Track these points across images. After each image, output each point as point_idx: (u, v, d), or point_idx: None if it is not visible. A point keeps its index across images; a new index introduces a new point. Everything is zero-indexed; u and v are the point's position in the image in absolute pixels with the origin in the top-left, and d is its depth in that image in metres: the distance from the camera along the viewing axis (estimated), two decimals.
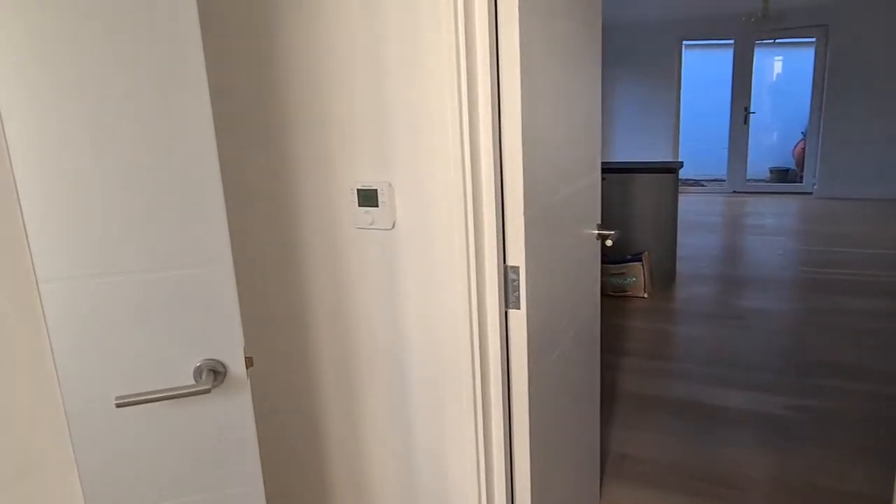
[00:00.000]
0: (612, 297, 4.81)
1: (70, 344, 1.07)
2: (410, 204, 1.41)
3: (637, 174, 4.97)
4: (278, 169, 1.47)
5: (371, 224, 1.43)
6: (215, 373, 1.16)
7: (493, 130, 1.36)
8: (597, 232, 2.09)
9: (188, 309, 1.12)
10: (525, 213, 1.44)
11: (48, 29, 0.98)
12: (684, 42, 8.86)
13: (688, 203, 7.94)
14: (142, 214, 1.07)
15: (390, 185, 1.41)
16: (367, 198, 1.41)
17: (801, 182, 8.92)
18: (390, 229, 1.43)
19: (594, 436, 2.35)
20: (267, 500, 1.26)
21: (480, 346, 1.44)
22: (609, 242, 2.02)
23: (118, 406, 1.06)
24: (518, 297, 1.48)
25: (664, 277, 5.08)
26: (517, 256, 1.47)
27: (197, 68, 1.05)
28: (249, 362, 1.20)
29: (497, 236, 1.42)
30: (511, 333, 1.51)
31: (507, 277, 1.48)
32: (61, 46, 0.99)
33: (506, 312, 1.50)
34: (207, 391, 1.09)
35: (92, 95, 1.01)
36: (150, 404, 1.10)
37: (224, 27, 1.42)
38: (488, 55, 1.33)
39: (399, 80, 1.34)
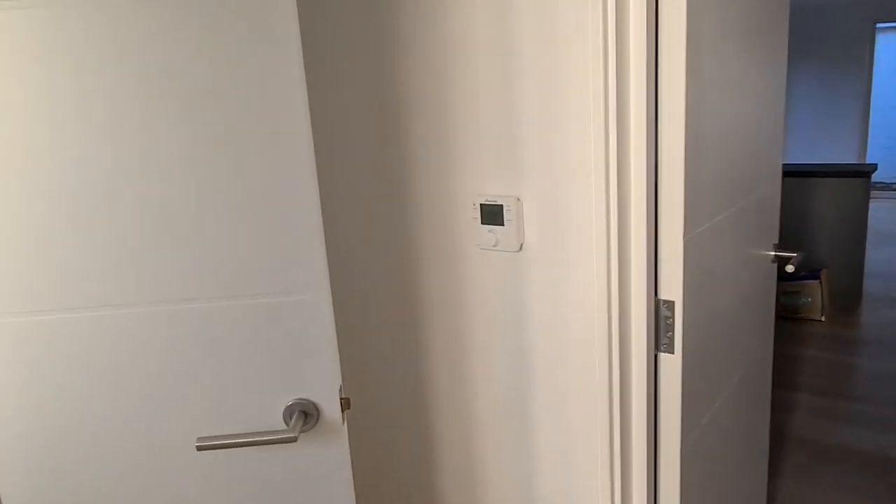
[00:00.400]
0: (782, 318, 4.22)
1: (151, 377, 0.98)
2: (542, 223, 1.18)
3: (817, 178, 4.30)
4: (392, 179, 1.31)
5: (495, 245, 1.22)
6: (307, 415, 1.01)
7: (648, 134, 1.10)
8: (774, 254, 1.72)
9: (279, 341, 0.99)
10: (685, 236, 1.16)
11: (152, 45, 0.88)
12: (878, 25, 7.70)
13: (877, 211, 6.88)
14: (227, 234, 0.95)
15: (518, 200, 1.19)
16: (492, 215, 1.21)
17: None
18: (517, 252, 1.22)
19: (760, 492, 1.98)
20: None
21: (622, 400, 1.18)
22: (790, 268, 1.65)
23: (199, 449, 0.95)
24: (672, 339, 1.21)
25: (847, 298, 4.37)
26: (673, 289, 1.19)
27: (296, 74, 0.90)
28: (346, 404, 1.05)
29: (648, 264, 1.16)
30: (661, 383, 1.23)
31: (659, 314, 1.20)
32: (157, 54, 0.88)
33: (655, 357, 1.22)
34: (293, 440, 0.94)
35: (183, 111, 0.90)
36: (234, 448, 0.98)
37: (338, 27, 1.28)
38: (645, 40, 1.06)
39: (531, 76, 1.12)
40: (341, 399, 1.03)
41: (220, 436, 0.97)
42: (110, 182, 0.92)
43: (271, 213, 0.95)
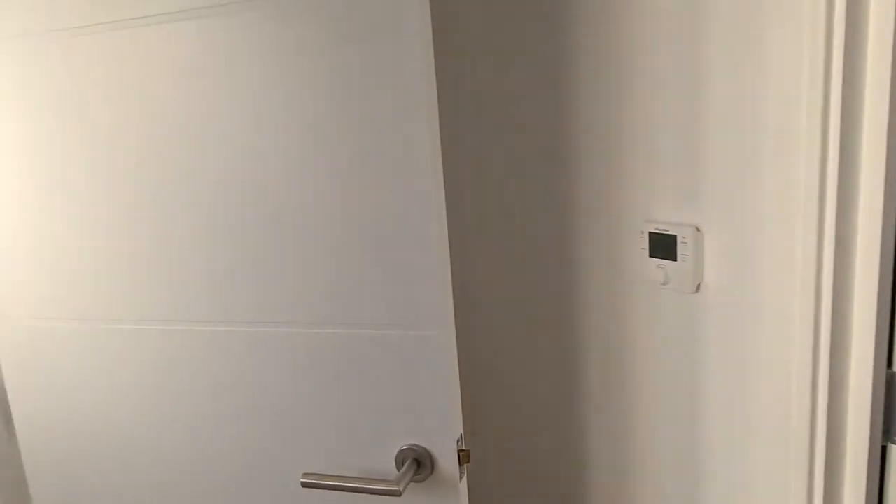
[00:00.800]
0: None
1: (265, 398, 0.94)
2: (727, 261, 0.94)
3: None
4: (545, 194, 1.14)
5: (664, 283, 1.00)
6: (420, 464, 0.90)
7: (890, 148, 0.81)
8: None
9: (396, 378, 0.89)
10: None
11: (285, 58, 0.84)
12: None
13: None
14: (350, 258, 0.87)
15: (697, 230, 0.96)
16: (662, 246, 0.99)
17: None
18: (692, 293, 0.98)
19: None
20: None
21: (826, 500, 0.89)
22: None
23: (303, 485, 0.89)
24: None
25: None
26: None
27: (425, 101, 0.79)
28: (465, 457, 0.92)
29: (878, 324, 0.85)
30: (891, 486, 0.91)
31: (893, 393, 0.89)
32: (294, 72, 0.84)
33: (883, 450, 0.91)
34: (397, 493, 0.84)
35: (310, 132, 0.84)
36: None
37: (498, 31, 1.15)
38: (893, 24, 0.78)
39: (721, 68, 0.89)
40: (459, 451, 0.90)
41: (326, 475, 0.90)
42: (240, 200, 0.89)
43: (396, 238, 0.85)
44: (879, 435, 0.90)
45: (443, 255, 0.86)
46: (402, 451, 0.91)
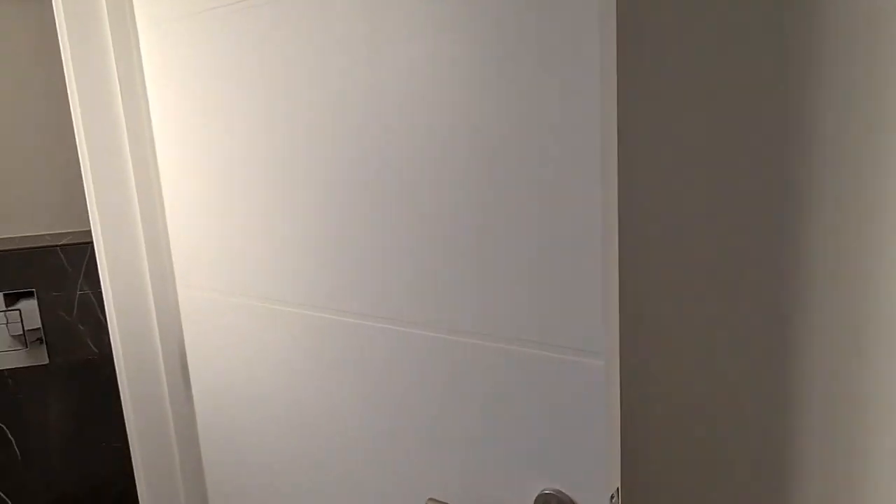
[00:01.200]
0: None
1: (393, 405, 0.86)
2: None
3: None
4: (754, 199, 0.88)
5: None
6: None
7: None
8: None
9: (545, 406, 0.75)
10: None
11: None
12: None
13: None
14: (496, 261, 0.74)
15: None
16: None
17: None
18: None
19: None
20: None
21: None
22: None
23: None
24: None
25: None
26: None
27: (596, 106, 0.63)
28: None
29: None
30: None
31: None
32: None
33: None
34: None
35: (475, 123, 0.73)
36: None
37: None
38: None
39: None
40: None
41: None
42: (396, 193, 0.81)
43: (555, 247, 0.70)
44: None
45: (610, 270, 0.69)
46: (542, 496, 0.76)
